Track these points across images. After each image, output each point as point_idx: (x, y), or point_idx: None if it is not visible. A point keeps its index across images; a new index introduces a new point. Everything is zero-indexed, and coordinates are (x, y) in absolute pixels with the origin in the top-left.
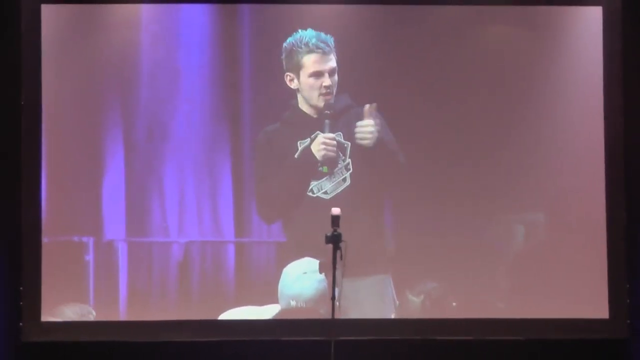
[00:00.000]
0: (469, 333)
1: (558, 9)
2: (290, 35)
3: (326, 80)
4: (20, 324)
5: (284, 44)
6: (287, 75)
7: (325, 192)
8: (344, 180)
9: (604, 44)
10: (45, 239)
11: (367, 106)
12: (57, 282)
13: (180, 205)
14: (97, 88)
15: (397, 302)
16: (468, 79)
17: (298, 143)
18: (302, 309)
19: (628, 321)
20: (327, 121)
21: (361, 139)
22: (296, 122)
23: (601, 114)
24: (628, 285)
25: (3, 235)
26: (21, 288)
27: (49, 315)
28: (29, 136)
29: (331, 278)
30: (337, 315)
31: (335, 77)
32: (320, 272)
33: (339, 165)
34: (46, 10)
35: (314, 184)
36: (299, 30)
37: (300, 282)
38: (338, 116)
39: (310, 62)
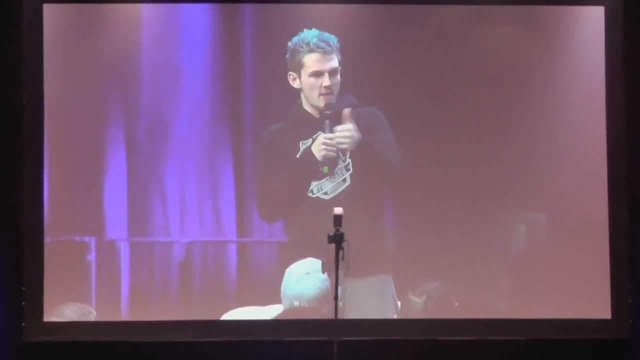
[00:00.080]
0: (471, 333)
1: (560, 8)
2: (293, 35)
3: (326, 80)
4: (23, 324)
5: (289, 43)
6: (290, 75)
7: (325, 193)
8: (344, 180)
9: (606, 43)
10: (47, 239)
11: (345, 110)
12: (59, 282)
13: (181, 205)
14: (99, 88)
15: (399, 303)
16: (470, 78)
17: (300, 143)
18: (305, 309)
19: (630, 321)
20: (327, 121)
21: (339, 143)
22: (300, 121)
23: (603, 114)
24: (630, 285)
25: (5, 235)
26: (23, 288)
27: (50, 315)
28: (31, 136)
29: (334, 278)
30: (339, 316)
31: (338, 77)
32: (323, 272)
33: (339, 166)
34: (48, 9)
35: (314, 184)
36: (304, 30)
37: (303, 282)
38: (339, 116)
39: (310, 61)
